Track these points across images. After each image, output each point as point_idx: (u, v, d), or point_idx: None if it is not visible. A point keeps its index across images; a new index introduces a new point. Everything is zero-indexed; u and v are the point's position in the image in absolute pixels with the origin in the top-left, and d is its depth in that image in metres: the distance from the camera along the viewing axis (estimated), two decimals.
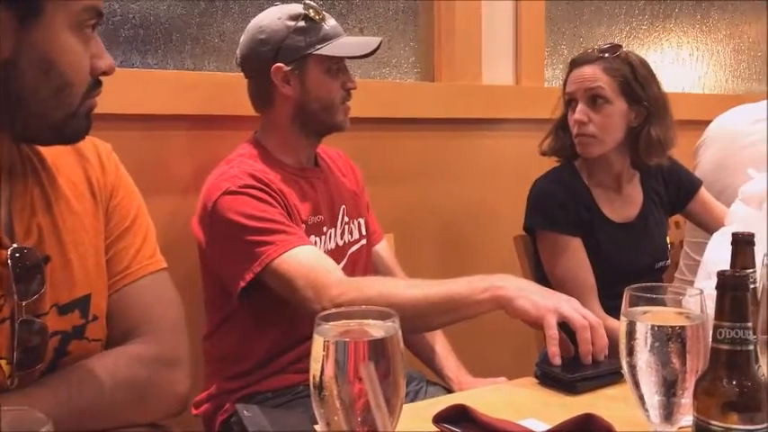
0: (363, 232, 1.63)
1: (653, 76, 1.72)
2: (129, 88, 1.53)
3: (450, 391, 1.52)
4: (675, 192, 1.85)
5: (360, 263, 1.60)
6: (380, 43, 1.51)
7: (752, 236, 0.99)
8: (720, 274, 0.67)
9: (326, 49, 1.45)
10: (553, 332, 1.10)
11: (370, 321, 0.71)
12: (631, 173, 1.78)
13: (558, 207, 1.69)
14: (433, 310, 1.22)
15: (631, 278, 1.68)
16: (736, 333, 0.66)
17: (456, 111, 2.12)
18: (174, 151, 1.67)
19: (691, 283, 1.74)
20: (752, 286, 0.97)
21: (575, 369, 1.10)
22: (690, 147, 2.23)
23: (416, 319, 1.23)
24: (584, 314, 1.12)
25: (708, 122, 2.23)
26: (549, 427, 0.89)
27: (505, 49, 2.24)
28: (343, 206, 1.58)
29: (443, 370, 1.56)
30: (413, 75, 2.19)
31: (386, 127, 2.03)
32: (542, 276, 1.76)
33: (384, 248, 1.72)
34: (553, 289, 1.71)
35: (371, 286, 1.28)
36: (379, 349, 0.66)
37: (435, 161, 2.12)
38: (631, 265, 1.72)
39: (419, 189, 2.09)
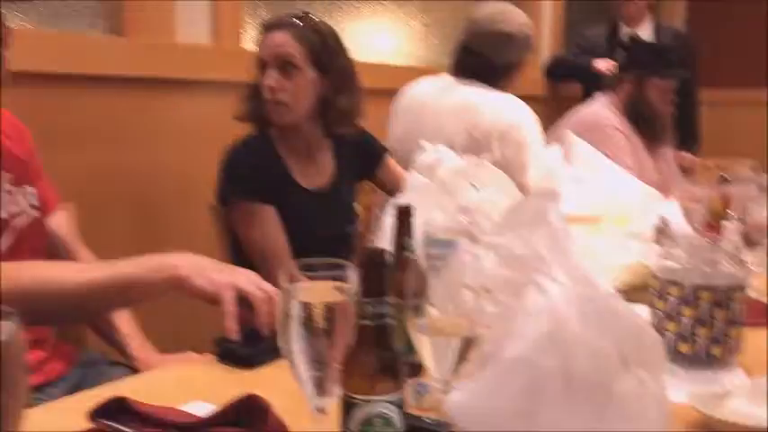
0: (33, 202, 1.45)
1: (342, 46, 1.76)
2: None
3: (136, 371, 1.44)
4: (364, 159, 1.94)
5: (29, 238, 1.42)
6: None
7: (410, 208, 1.06)
8: (360, 252, 0.70)
9: None
10: (230, 307, 1.08)
11: None
12: (323, 141, 1.82)
13: (249, 176, 1.68)
14: (100, 295, 1.13)
15: (324, 244, 1.76)
16: (376, 308, 0.69)
17: (147, 69, 1.99)
18: None
19: None
20: (410, 254, 1.05)
21: (253, 342, 1.10)
22: (386, 115, 2.36)
23: (84, 308, 1.14)
24: (262, 287, 1.12)
25: (399, 92, 2.37)
26: (213, 408, 0.86)
27: (201, 6, 2.14)
28: (6, 173, 1.39)
29: (128, 349, 1.47)
30: (99, 27, 2.00)
31: (66, 84, 1.83)
32: (238, 247, 1.74)
33: (60, 221, 1.55)
34: (249, 257, 1.72)
35: (29, 273, 1.13)
36: None
37: (125, 124, 1.97)
38: (324, 231, 1.78)
39: (106, 154, 1.93)
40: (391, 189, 1.97)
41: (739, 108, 4.75)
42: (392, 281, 0.94)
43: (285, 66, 1.66)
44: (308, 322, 0.74)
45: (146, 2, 1.99)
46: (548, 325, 0.75)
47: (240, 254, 1.74)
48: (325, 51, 1.70)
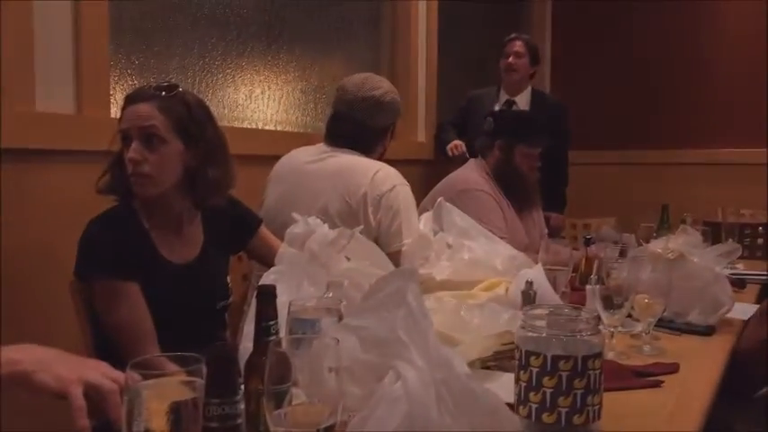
0: None
1: (210, 116, 1.74)
2: None
3: None
4: (237, 230, 1.90)
5: None
6: None
7: (273, 288, 1.03)
8: (206, 349, 0.66)
9: None
10: (78, 403, 1.01)
11: None
12: (192, 213, 1.77)
13: (111, 251, 1.59)
14: None
15: (195, 320, 1.69)
16: (223, 409, 0.66)
17: (6, 140, 1.87)
18: None
19: None
20: (272, 338, 1.02)
21: None
22: (263, 181, 2.33)
23: None
24: (114, 377, 1.05)
25: (279, 157, 2.36)
26: None
27: (63, 74, 2.06)
28: None
29: None
30: None
31: None
32: (99, 324, 1.64)
33: None
34: (112, 337, 1.62)
35: None
36: None
37: None
38: (193, 307, 1.71)
39: None
40: (265, 259, 1.94)
41: (603, 168, 5.09)
42: (253, 367, 0.91)
43: (149, 138, 1.61)
44: (153, 425, 0.70)
45: (2, 70, 1.88)
46: (405, 411, 0.74)
47: (102, 333, 1.64)
48: (192, 122, 1.66)
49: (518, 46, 3.90)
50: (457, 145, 3.80)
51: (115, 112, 2.24)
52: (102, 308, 1.61)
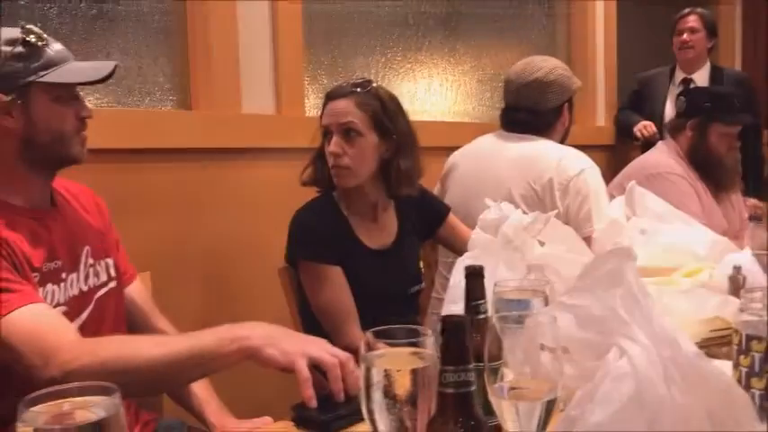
0: (112, 273, 1.51)
1: (401, 110, 1.81)
2: None
3: None
4: (427, 218, 1.96)
5: (109, 308, 1.48)
6: (115, 67, 1.40)
7: (481, 268, 1.06)
8: (443, 319, 0.71)
9: (52, 76, 1.31)
10: (305, 375, 1.10)
11: (91, 398, 0.64)
12: (386, 202, 1.86)
13: (317, 238, 1.71)
14: (177, 368, 1.16)
15: (389, 303, 1.77)
16: (459, 376, 0.70)
17: (215, 140, 2.07)
18: None
19: (443, 301, 1.86)
20: (482, 316, 1.06)
21: (329, 409, 1.11)
22: (439, 172, 2.38)
23: (161, 380, 1.18)
24: (332, 352, 1.14)
25: (457, 148, 2.40)
26: None
27: (265, 77, 2.23)
28: (87, 247, 1.45)
29: (205, 414, 1.50)
30: (168, 102, 2.10)
31: (139, 158, 1.92)
32: (307, 306, 1.77)
33: (137, 289, 1.61)
34: (317, 317, 1.74)
35: (108, 348, 1.18)
36: None
37: (194, 193, 2.05)
38: (389, 291, 1.79)
39: (177, 223, 2.00)
40: (454, 247, 1.98)
41: None
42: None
43: (348, 132, 1.71)
44: (390, 390, 0.75)
45: (212, 77, 2.08)
46: (633, 388, 0.74)
47: (310, 313, 1.76)
48: (386, 115, 1.74)
49: (692, 21, 3.65)
50: (646, 125, 3.61)
51: (309, 111, 2.40)
52: (309, 290, 1.73)
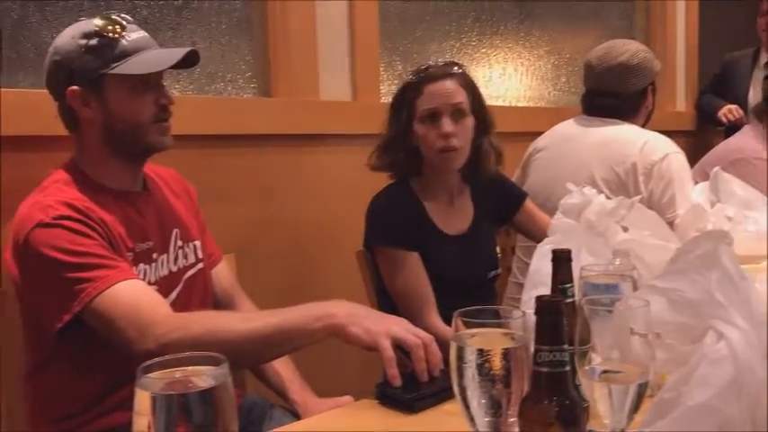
0: (200, 255, 1.56)
1: (480, 92, 1.81)
2: None
3: (295, 414, 1.50)
4: (503, 204, 1.94)
5: (197, 288, 1.54)
6: (190, 52, 1.41)
7: (569, 252, 1.06)
8: (537, 300, 0.71)
9: (122, 68, 1.34)
10: (389, 353, 1.12)
11: (200, 368, 0.68)
12: (462, 186, 1.85)
13: (394, 223, 1.73)
14: (266, 343, 1.20)
15: (466, 288, 1.78)
16: (554, 356, 0.70)
17: (294, 126, 2.11)
18: None
19: (522, 285, 1.85)
20: (569, 300, 1.05)
21: (412, 388, 1.12)
22: (518, 157, 2.36)
23: (249, 355, 1.22)
24: (415, 333, 1.15)
25: (533, 134, 2.38)
26: None
27: (341, 64, 2.26)
28: (176, 230, 1.51)
29: (288, 392, 1.54)
30: (249, 90, 2.15)
31: (223, 143, 1.98)
32: (384, 290, 1.79)
33: (223, 271, 1.67)
34: (394, 301, 1.76)
35: (199, 323, 1.23)
36: (208, 400, 0.63)
37: (275, 178, 2.10)
38: (466, 276, 1.79)
39: (259, 207, 2.06)
40: (531, 233, 1.96)
41: None
42: None
43: (458, 113, 1.71)
44: (484, 369, 0.76)
45: (291, 64, 2.12)
46: (731, 372, 0.73)
47: (387, 297, 1.79)
48: (475, 97, 1.75)
49: None
50: (731, 109, 3.49)
51: (384, 97, 2.41)
52: (387, 274, 1.75)
